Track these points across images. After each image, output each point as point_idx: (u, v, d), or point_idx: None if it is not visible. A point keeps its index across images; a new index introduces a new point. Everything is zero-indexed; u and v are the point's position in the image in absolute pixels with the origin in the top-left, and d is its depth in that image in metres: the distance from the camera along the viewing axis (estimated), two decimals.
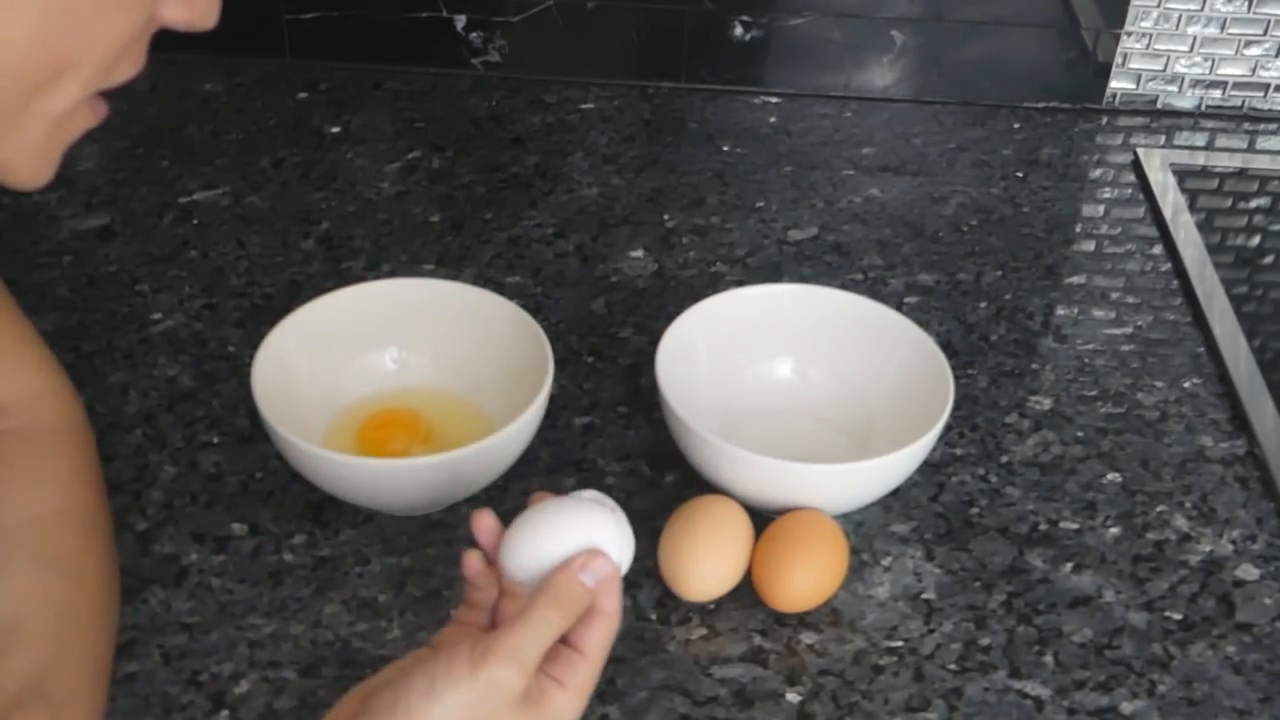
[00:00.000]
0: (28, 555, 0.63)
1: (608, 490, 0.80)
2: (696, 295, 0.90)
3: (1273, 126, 1.23)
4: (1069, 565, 0.81)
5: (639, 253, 1.04)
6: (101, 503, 0.70)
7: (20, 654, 0.60)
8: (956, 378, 0.83)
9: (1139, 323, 1.00)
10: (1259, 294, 1.04)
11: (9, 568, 0.63)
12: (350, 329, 0.87)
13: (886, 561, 0.80)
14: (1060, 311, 1.01)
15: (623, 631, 0.75)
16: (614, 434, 0.88)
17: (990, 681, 0.74)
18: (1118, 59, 1.21)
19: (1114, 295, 1.02)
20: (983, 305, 1.00)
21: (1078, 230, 1.10)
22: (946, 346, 0.94)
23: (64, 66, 0.45)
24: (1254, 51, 1.20)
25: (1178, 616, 0.78)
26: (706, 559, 0.75)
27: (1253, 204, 1.15)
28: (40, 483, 0.67)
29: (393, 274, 1.00)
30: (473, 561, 0.65)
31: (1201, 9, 1.18)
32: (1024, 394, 0.93)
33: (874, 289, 1.01)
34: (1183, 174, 1.15)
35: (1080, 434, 0.90)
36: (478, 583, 0.65)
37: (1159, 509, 0.85)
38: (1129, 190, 1.14)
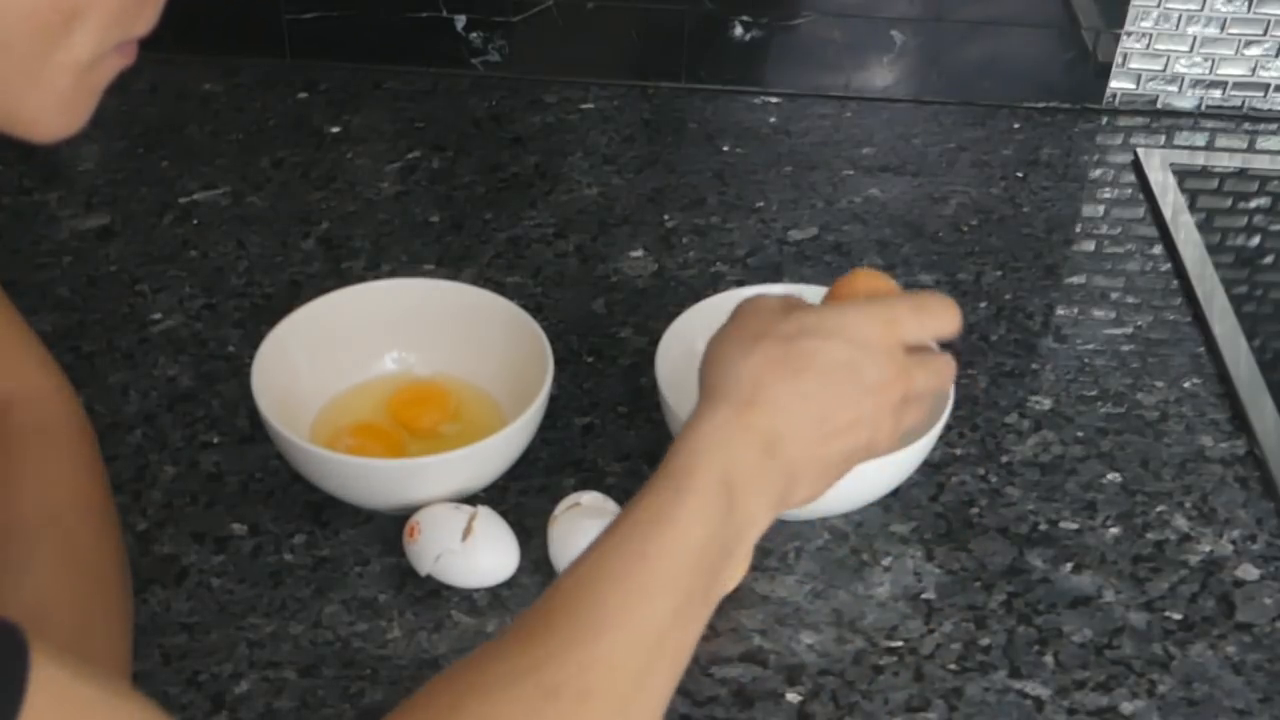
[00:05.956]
0: (49, 550, 0.64)
1: (608, 490, 0.80)
2: (696, 295, 0.90)
3: (1273, 126, 1.23)
4: (1069, 565, 0.81)
5: (639, 253, 1.04)
6: (109, 497, 0.70)
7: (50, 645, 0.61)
8: (957, 378, 0.83)
9: (1139, 323, 1.00)
10: (1259, 294, 1.04)
11: (33, 563, 0.63)
12: (350, 329, 0.87)
13: (886, 561, 0.80)
14: (1060, 311, 1.01)
15: None
16: (614, 434, 0.88)
17: (990, 681, 0.74)
18: (1118, 59, 1.21)
19: (1114, 295, 1.02)
20: (983, 305, 1.00)
21: (1078, 230, 1.10)
22: (947, 346, 0.94)
23: (73, 12, 0.46)
24: (1254, 51, 1.20)
25: (1178, 616, 0.78)
26: None
27: (1253, 204, 1.15)
28: (52, 478, 0.67)
29: (393, 274, 1.00)
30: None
31: (1201, 9, 1.18)
32: (1024, 394, 0.93)
33: None
34: (1183, 174, 1.15)
35: (1080, 434, 0.90)
36: None
37: (1159, 509, 0.85)
38: (1129, 190, 1.14)
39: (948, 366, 0.68)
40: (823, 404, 0.61)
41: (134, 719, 0.45)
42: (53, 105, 0.48)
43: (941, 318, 0.66)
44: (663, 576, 0.55)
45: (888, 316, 0.64)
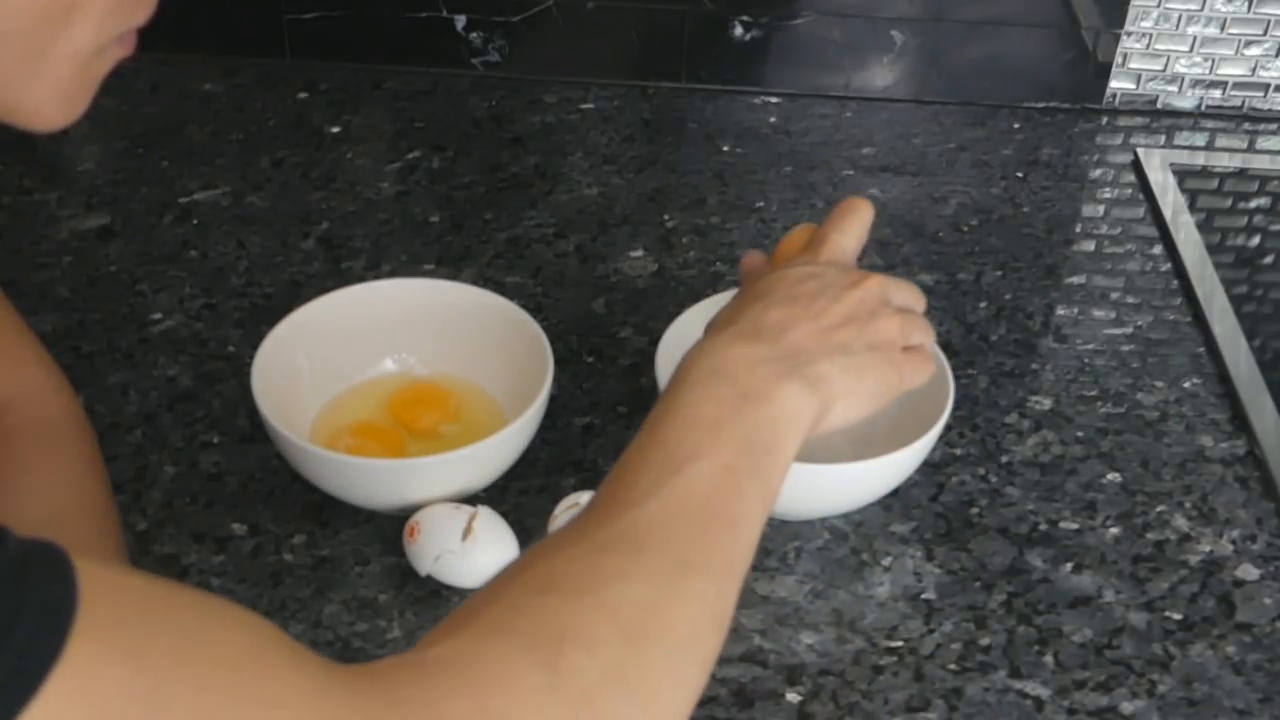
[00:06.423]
0: None
1: None
2: (696, 295, 0.90)
3: (1273, 126, 1.23)
4: (1069, 565, 0.81)
5: (639, 253, 1.04)
6: (110, 496, 0.70)
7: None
8: (956, 378, 0.83)
9: (1139, 323, 1.00)
10: (1259, 294, 1.04)
11: None
12: (350, 329, 0.87)
13: (886, 561, 0.80)
14: (1060, 311, 1.01)
15: None
16: (614, 434, 0.88)
17: (990, 681, 0.74)
18: (1118, 59, 1.21)
19: (1114, 295, 1.02)
20: (983, 305, 1.00)
21: (1078, 230, 1.10)
22: (946, 346, 0.94)
23: (72, 3, 0.46)
24: (1254, 51, 1.20)
25: (1178, 616, 0.78)
26: None
27: (1253, 204, 1.15)
28: (55, 477, 0.67)
29: (393, 274, 1.00)
30: (753, 257, 0.77)
31: (1201, 9, 1.18)
32: (1024, 394, 0.93)
33: None
34: (1183, 174, 1.15)
35: (1080, 434, 0.90)
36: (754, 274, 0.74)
37: (1159, 509, 0.85)
38: (1129, 190, 1.14)
39: (908, 283, 0.74)
40: (802, 300, 0.66)
41: (194, 601, 0.44)
42: (53, 96, 0.49)
43: (857, 214, 0.74)
44: (686, 448, 0.58)
45: (812, 239, 0.72)
